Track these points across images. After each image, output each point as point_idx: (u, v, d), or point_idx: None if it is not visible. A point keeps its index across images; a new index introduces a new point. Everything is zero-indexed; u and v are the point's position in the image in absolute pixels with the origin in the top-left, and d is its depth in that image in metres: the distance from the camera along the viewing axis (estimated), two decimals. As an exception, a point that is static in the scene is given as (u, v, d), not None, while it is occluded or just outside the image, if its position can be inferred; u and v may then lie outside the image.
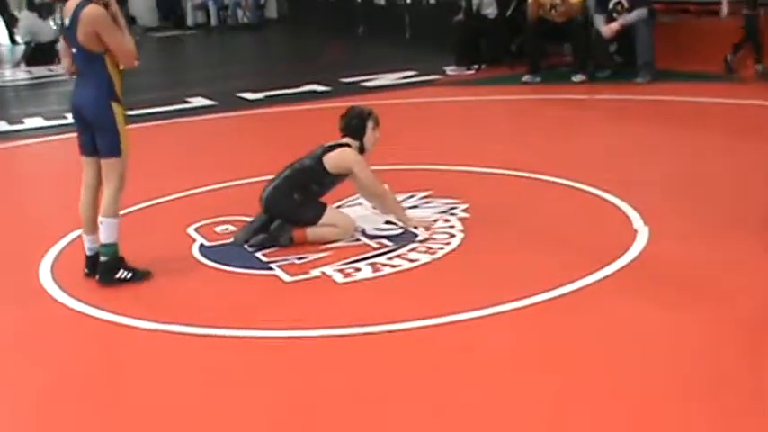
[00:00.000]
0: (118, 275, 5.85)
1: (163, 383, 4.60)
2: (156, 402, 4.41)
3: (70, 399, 4.51)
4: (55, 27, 20.67)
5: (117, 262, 5.88)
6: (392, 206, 6.52)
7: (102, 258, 5.87)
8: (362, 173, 6.39)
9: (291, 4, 25.92)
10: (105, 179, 5.86)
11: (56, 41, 20.77)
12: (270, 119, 11.90)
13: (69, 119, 12.30)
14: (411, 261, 5.90)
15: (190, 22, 27.03)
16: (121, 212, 7.23)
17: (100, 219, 5.85)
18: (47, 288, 5.89)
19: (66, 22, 5.75)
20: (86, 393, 4.58)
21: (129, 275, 5.87)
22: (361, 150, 6.46)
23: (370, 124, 6.49)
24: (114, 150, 5.80)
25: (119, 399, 4.48)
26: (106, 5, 5.66)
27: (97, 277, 5.88)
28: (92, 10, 5.60)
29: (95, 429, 4.23)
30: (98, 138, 5.82)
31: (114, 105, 5.75)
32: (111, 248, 5.85)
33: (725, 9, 11.83)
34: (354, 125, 6.48)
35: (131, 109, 12.32)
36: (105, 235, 5.84)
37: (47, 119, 12.70)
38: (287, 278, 5.77)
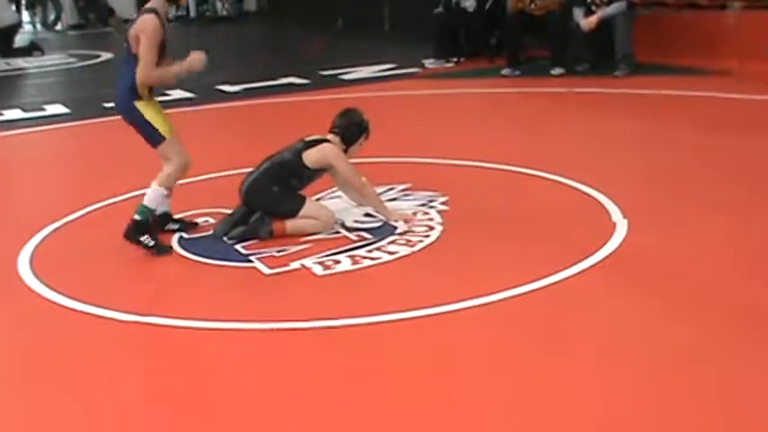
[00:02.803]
0: (143, 238, 6.11)
1: (140, 375, 4.59)
2: (133, 394, 4.40)
3: (47, 390, 4.50)
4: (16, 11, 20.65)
5: (146, 226, 6.14)
6: (371, 199, 6.52)
7: (135, 216, 6.13)
8: (342, 167, 6.38)
9: (270, -4, 25.93)
10: (164, 162, 6.26)
11: (18, 25, 20.69)
12: (248, 111, 11.89)
13: (48, 111, 12.41)
14: (390, 254, 5.91)
15: (169, 14, 26.93)
16: (100, 205, 7.31)
17: (153, 183, 6.21)
18: (25, 279, 5.87)
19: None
20: (63, 385, 4.55)
21: (152, 243, 6.12)
22: (344, 152, 6.45)
23: (362, 137, 6.50)
24: (155, 140, 6.21)
25: (96, 390, 4.46)
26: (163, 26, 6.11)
27: (124, 232, 6.14)
28: (149, 18, 6.05)
29: (72, 421, 4.22)
30: (138, 132, 6.25)
31: (138, 104, 6.13)
32: (147, 211, 6.17)
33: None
34: (351, 132, 6.47)
35: (110, 101, 12.39)
36: (149, 198, 6.20)
37: (25, 110, 12.65)
38: (266, 270, 5.76)
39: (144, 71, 6.05)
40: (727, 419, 3.83)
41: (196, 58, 6.23)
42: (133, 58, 6.09)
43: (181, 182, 7.29)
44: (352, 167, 6.44)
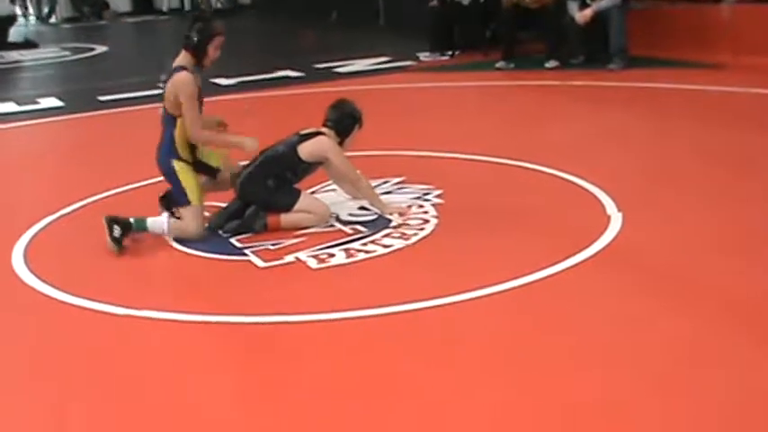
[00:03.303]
0: (116, 230, 6.09)
1: (135, 369, 4.58)
2: (128, 388, 4.39)
3: (42, 384, 4.50)
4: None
5: (128, 230, 6.14)
6: (366, 192, 6.52)
7: (131, 220, 6.16)
8: (337, 159, 6.38)
9: (265, -11, 25.89)
10: (183, 219, 6.30)
11: (13, 17, 20.64)
12: (243, 105, 11.85)
13: (42, 104, 12.40)
14: (385, 247, 5.91)
15: (164, 7, 26.94)
16: (97, 197, 7.32)
17: (169, 219, 6.28)
18: (19, 273, 5.86)
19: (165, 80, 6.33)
20: (58, 379, 4.55)
21: (117, 235, 6.08)
22: (339, 145, 6.45)
23: (356, 127, 6.50)
24: (182, 201, 6.29)
25: (91, 385, 4.46)
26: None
27: (110, 215, 6.15)
28: (181, 75, 6.17)
29: (67, 414, 4.22)
30: (171, 188, 6.40)
31: (176, 163, 6.27)
32: (143, 225, 6.20)
33: None
34: (345, 124, 6.47)
35: (104, 94, 12.41)
36: (154, 224, 6.23)
37: (19, 104, 12.64)
38: (261, 264, 5.76)
39: (190, 130, 6.19)
40: (725, 411, 3.83)
41: (250, 143, 6.31)
42: (171, 118, 6.23)
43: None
44: (347, 160, 6.44)
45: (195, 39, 6.23)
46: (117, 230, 6.08)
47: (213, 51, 6.29)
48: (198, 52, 6.25)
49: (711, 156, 7.59)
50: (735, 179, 6.89)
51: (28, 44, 20.47)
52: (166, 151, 6.28)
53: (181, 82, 6.16)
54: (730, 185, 6.76)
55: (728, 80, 10.61)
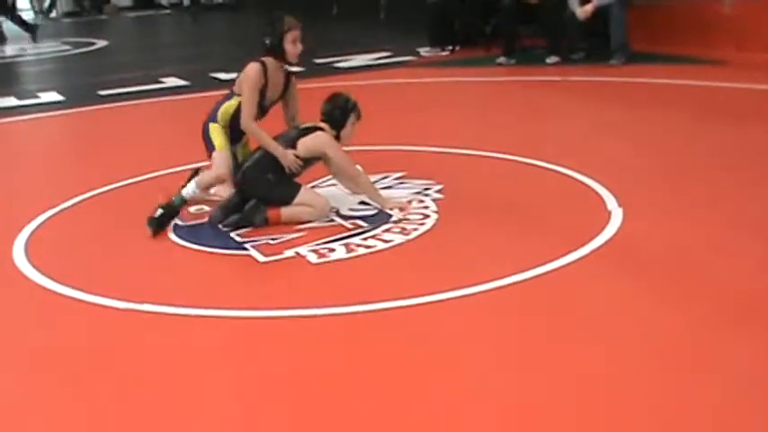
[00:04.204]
0: (158, 213, 6.34)
1: (136, 363, 4.58)
2: (129, 382, 4.39)
3: (44, 379, 4.50)
4: None
5: (174, 215, 6.47)
6: (365, 187, 6.51)
7: (174, 200, 6.44)
8: (336, 155, 6.38)
9: (266, -17, 25.89)
10: (212, 163, 6.60)
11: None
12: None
13: (42, 98, 12.42)
14: (385, 242, 5.90)
15: (164, 1, 26.93)
16: (96, 192, 7.32)
17: (196, 179, 6.56)
18: (20, 267, 5.86)
19: None
20: (58, 371, 4.55)
21: (158, 215, 6.31)
22: (336, 139, 6.45)
23: (351, 118, 6.49)
24: (210, 147, 6.60)
25: (92, 379, 4.46)
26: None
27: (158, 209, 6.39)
28: (252, 65, 6.48)
29: (66, 408, 4.22)
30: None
31: (212, 125, 6.62)
32: (179, 200, 6.47)
33: None
34: (336, 116, 6.47)
35: (104, 89, 12.41)
36: (187, 189, 6.51)
37: (20, 98, 12.64)
38: (261, 258, 5.76)
39: (243, 119, 6.43)
40: (722, 404, 3.84)
41: (291, 158, 6.33)
42: (231, 93, 6.60)
43: (176, 169, 7.34)
44: (346, 155, 6.43)
45: (268, 42, 6.46)
46: (159, 212, 6.32)
47: (291, 47, 6.50)
48: (275, 53, 6.47)
49: (713, 152, 7.59)
50: (736, 175, 6.88)
51: (28, 28, 20.47)
52: (211, 117, 6.62)
53: (246, 71, 6.46)
54: (732, 182, 6.75)
55: (730, 76, 10.60)
